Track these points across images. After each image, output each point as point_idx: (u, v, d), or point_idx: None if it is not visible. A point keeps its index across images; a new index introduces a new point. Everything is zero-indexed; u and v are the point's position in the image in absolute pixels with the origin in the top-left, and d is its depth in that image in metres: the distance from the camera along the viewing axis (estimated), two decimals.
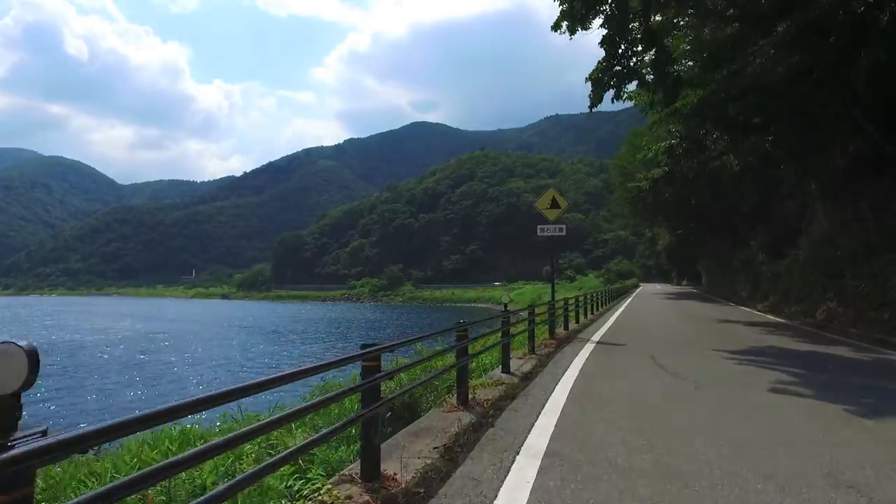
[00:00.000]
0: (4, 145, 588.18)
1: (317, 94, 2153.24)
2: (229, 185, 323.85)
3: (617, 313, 22.44)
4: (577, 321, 16.93)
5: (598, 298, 25.51)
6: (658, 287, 66.05)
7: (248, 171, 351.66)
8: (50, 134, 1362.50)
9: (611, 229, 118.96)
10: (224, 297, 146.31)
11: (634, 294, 44.00)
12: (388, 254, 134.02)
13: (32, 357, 1.67)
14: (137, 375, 23.41)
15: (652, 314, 22.70)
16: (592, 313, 21.22)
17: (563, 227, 15.16)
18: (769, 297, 25.33)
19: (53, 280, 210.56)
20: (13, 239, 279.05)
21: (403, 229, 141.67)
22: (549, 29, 15.14)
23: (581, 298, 19.72)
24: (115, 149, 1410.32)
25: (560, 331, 14.19)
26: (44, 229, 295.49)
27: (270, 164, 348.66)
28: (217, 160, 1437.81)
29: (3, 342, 1.68)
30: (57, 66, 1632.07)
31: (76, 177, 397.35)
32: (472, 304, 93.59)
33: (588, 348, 11.62)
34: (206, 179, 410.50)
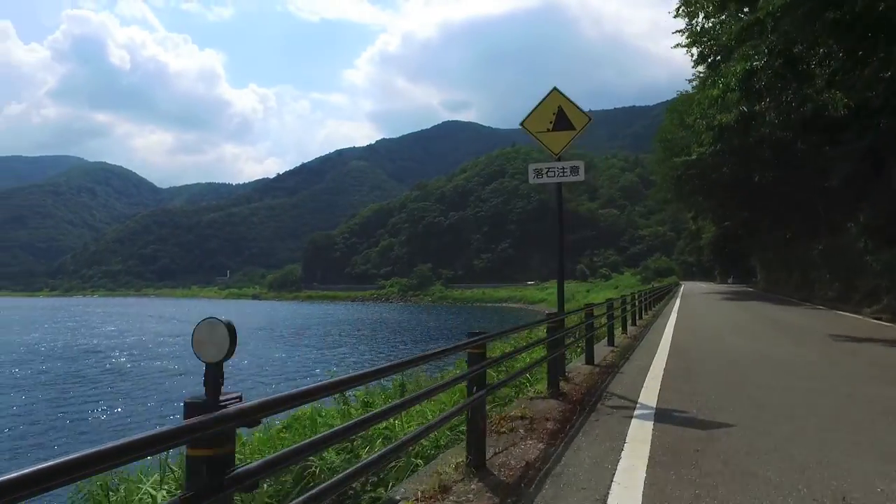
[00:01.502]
0: (54, 153, 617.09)
1: (349, 95, 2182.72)
2: (263, 187, 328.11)
3: (669, 325, 16.30)
4: (612, 342, 11.79)
5: (641, 301, 19.71)
6: (703, 286, 58.46)
7: (281, 172, 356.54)
8: (95, 141, 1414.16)
9: (648, 225, 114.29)
10: (255, 297, 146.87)
11: (679, 294, 36.73)
12: (418, 253, 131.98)
13: (232, 331, 1.83)
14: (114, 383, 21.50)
15: (725, 327, 15.55)
16: (634, 323, 16.65)
17: (581, 165, 7.82)
18: (882, 297, 18.85)
19: (96, 281, 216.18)
20: (61, 242, 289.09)
21: (433, 228, 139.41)
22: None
23: (619, 303, 14.38)
24: (155, 154, 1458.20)
25: (577, 370, 8.60)
26: (88, 233, 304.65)
27: (303, 165, 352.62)
28: (253, 163, 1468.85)
29: (208, 319, 1.86)
30: (102, 75, 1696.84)
31: (119, 181, 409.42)
32: (503, 304, 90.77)
33: (636, 454, 4.39)
34: (241, 182, 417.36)
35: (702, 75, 28.98)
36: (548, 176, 7.81)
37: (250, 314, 71.57)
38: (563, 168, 7.71)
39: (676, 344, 11.50)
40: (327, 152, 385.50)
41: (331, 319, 60.62)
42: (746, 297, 33.02)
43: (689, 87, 34.32)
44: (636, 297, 18.78)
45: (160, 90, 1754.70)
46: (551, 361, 6.68)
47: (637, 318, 17.61)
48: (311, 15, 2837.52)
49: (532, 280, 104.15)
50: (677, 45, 25.78)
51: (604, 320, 11.52)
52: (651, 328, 15.78)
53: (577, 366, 8.96)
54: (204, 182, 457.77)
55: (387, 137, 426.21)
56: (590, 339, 9.38)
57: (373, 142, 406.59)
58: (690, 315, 20.14)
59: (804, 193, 27.81)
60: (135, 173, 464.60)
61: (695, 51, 25.86)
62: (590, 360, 9.20)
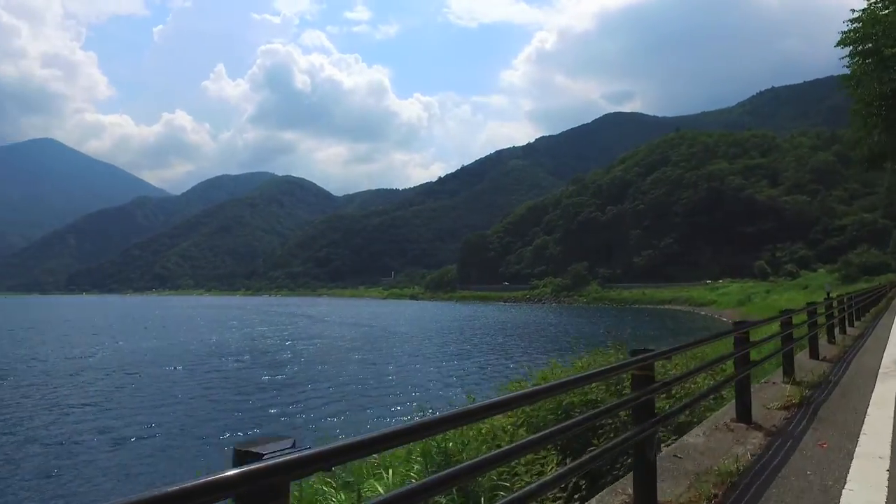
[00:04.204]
0: (252, 170, 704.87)
1: (508, 96, 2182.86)
2: (426, 191, 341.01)
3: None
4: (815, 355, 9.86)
5: (850, 306, 15.72)
6: None
7: (442, 176, 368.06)
8: (283, 157, 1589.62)
9: (850, 212, 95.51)
10: (412, 297, 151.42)
11: None
12: (572, 251, 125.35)
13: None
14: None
15: None
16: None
17: None
18: None
19: (280, 282, 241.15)
20: (255, 248, 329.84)
21: (588, 224, 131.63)
22: None
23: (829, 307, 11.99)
24: (332, 165, 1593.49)
25: (772, 389, 7.44)
26: (276, 239, 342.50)
27: (463, 167, 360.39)
28: (420, 168, 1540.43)
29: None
30: (288, 99, 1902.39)
31: (301, 192, 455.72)
32: (667, 306, 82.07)
33: None
34: (408, 187, 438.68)
35: None
36: None
37: (401, 315, 72.66)
38: None
39: None
40: (487, 153, 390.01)
41: (476, 324, 58.42)
42: None
43: None
44: (846, 300, 15.42)
45: (335, 107, 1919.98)
46: (739, 382, 5.89)
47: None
48: (470, 22, 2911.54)
49: (710, 279, 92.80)
50: None
51: (805, 329, 10.06)
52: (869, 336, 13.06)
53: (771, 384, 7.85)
54: (374, 189, 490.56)
55: (546, 135, 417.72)
56: (788, 352, 8.19)
57: (532, 140, 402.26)
58: None
59: None
60: (314, 184, 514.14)
61: None
62: (788, 374, 8.09)
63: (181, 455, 13.16)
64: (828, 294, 8.13)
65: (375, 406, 17.61)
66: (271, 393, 20.35)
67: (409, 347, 35.24)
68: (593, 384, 5.89)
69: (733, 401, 5.90)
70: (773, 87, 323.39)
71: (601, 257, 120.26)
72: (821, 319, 11.18)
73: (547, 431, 2.94)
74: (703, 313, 67.25)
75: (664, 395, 5.82)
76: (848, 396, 6.85)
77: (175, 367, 26.50)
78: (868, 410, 6.10)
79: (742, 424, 5.47)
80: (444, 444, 5.35)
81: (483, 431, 5.82)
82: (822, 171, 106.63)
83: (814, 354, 10.34)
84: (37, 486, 11.29)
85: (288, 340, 40.12)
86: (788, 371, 8.09)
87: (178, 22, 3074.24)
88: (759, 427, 5.37)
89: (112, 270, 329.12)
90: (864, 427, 5.46)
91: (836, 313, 13.61)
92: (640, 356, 3.58)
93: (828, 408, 6.26)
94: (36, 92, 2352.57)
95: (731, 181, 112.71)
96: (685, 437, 5.04)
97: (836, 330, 13.66)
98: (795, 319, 8.95)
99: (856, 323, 17.37)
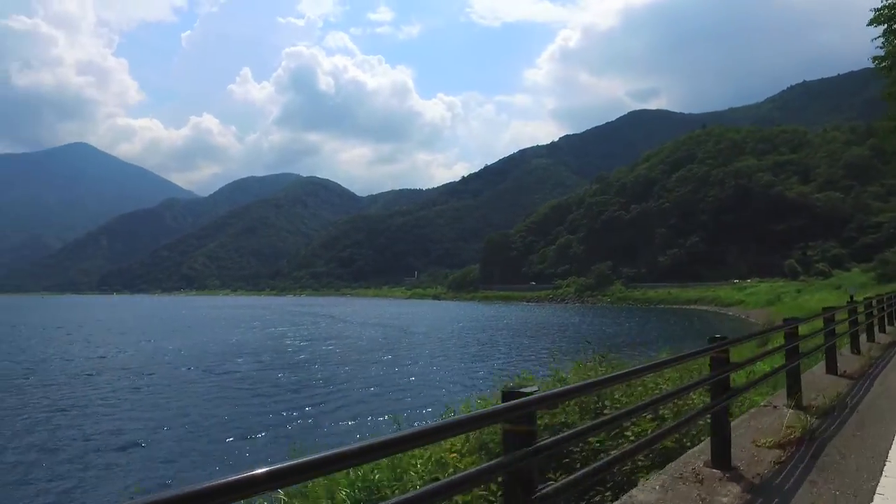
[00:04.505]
0: (276, 172, 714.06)
1: (532, 95, 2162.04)
2: (449, 191, 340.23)
3: None
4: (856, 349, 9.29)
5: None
6: None
7: (465, 175, 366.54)
8: (308, 158, 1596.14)
9: (886, 209, 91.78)
10: (435, 297, 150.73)
11: None
12: (596, 250, 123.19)
13: None
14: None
15: None
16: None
17: None
18: None
19: (304, 282, 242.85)
20: (280, 248, 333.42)
21: (612, 222, 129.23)
22: None
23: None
24: (356, 166, 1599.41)
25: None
26: (301, 239, 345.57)
27: (487, 167, 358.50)
28: (443, 168, 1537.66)
29: None
30: (313, 101, 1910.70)
31: (325, 193, 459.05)
32: (693, 307, 79.97)
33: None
34: (431, 187, 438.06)
35: None
36: None
37: (421, 315, 72.11)
38: None
39: None
40: (511, 153, 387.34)
41: (497, 324, 57.46)
42: None
43: None
44: (877, 302, 14.62)
45: (359, 108, 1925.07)
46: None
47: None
48: (493, 21, 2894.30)
49: (737, 278, 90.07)
50: None
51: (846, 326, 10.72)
52: None
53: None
54: (397, 189, 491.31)
55: (570, 134, 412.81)
56: (794, 368, 7.32)
57: (556, 139, 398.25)
58: None
59: None
60: (338, 184, 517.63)
61: None
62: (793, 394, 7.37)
63: (210, 450, 13.55)
64: (851, 297, 7.33)
65: (379, 411, 16.99)
66: (280, 395, 20.13)
67: (425, 350, 34.74)
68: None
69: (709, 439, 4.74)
70: (804, 81, 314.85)
71: (625, 256, 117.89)
72: (841, 327, 10.00)
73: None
74: (729, 314, 65.25)
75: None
76: (865, 430, 5.54)
77: (191, 368, 26.67)
78: (890, 454, 4.79)
79: (717, 471, 4.31)
80: (372, 476, 4.96)
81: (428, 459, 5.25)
82: (857, 167, 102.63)
83: (831, 368, 9.18)
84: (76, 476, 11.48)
85: (306, 341, 40.21)
86: (793, 390, 6.87)
87: (205, 27, 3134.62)
88: (738, 476, 4.21)
89: (141, 271, 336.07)
90: (882, 483, 4.12)
91: (861, 318, 12.21)
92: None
93: (836, 447, 5.00)
94: (71, 99, 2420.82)
95: (760, 178, 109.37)
96: (634, 491, 3.94)
97: (863, 337, 12.43)
98: (804, 329, 7.91)
99: (888, 328, 16.07)
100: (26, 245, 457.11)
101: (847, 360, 9.96)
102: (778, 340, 9.47)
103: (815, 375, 8.53)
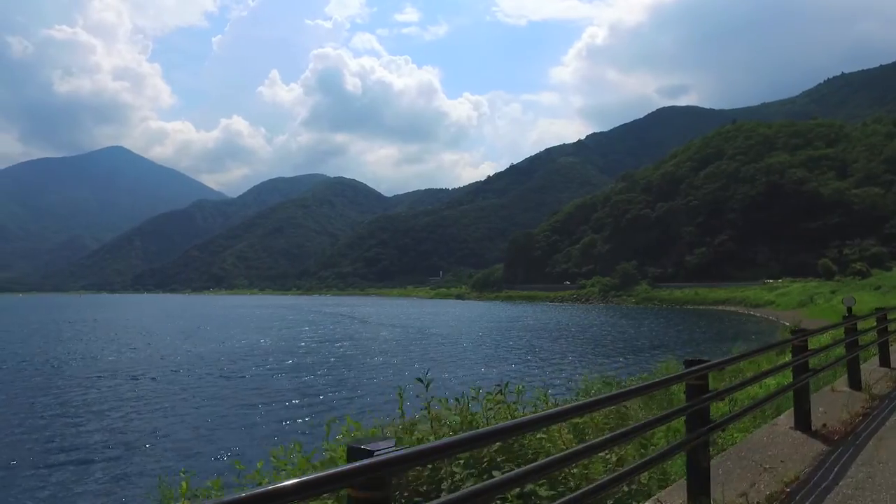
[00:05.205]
0: (304, 172, 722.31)
1: (558, 93, 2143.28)
2: (475, 190, 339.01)
3: None
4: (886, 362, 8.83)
5: None
6: None
7: (491, 174, 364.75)
8: (335, 159, 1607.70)
9: None
10: (458, 297, 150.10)
11: None
12: (621, 249, 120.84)
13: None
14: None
15: None
16: None
17: None
18: None
19: (330, 282, 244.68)
20: (307, 248, 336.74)
21: (638, 221, 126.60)
22: None
23: None
24: (383, 166, 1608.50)
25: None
26: (327, 239, 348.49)
27: (513, 166, 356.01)
28: (470, 168, 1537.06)
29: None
30: (340, 102, 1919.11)
31: (352, 193, 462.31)
32: (720, 307, 77.64)
33: None
34: (457, 186, 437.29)
35: None
36: None
37: (426, 315, 71.47)
38: None
39: None
40: (537, 152, 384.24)
41: (520, 325, 56.43)
42: None
43: None
44: None
45: (386, 109, 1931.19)
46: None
47: None
48: (519, 20, 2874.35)
49: (770, 278, 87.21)
50: None
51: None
52: None
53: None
54: (423, 189, 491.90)
55: (597, 132, 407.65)
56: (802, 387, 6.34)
57: (582, 137, 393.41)
58: None
59: None
60: (365, 185, 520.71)
61: None
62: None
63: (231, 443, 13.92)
64: (849, 310, 5.80)
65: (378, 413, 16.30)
66: (290, 397, 19.69)
67: (444, 350, 34.22)
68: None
69: None
70: (843, 74, 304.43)
71: (651, 256, 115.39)
72: (838, 350, 8.33)
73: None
74: (757, 315, 62.91)
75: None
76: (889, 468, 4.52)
77: (220, 368, 26.49)
78: None
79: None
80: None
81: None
82: None
83: (854, 384, 8.17)
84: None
85: (326, 341, 40.15)
86: (801, 413, 6.02)
87: (235, 31, 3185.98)
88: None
89: (173, 271, 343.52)
90: None
91: (859, 340, 9.90)
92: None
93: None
94: (108, 103, 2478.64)
95: (793, 174, 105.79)
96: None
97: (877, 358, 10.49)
98: (811, 344, 6.91)
99: None
100: (66, 246, 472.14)
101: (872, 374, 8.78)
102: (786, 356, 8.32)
103: (834, 393, 7.47)
